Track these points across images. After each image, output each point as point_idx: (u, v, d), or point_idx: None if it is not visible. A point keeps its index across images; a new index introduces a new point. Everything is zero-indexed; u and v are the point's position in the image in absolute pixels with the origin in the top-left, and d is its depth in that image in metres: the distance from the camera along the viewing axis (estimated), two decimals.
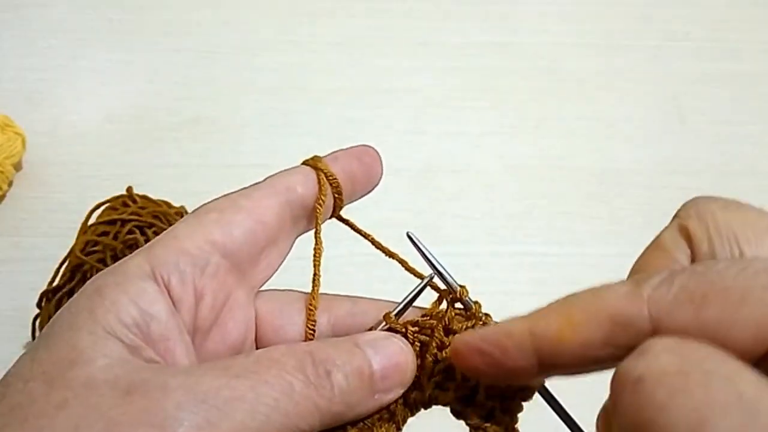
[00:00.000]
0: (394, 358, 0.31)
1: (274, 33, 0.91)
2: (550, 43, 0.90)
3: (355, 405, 0.30)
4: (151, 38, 0.90)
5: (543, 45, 0.90)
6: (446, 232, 0.74)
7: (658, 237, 0.29)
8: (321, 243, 0.35)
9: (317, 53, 0.89)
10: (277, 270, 0.35)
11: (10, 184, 0.76)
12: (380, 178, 0.37)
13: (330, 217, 0.37)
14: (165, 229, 0.62)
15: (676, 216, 0.29)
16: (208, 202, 0.33)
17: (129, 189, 0.68)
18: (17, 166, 0.77)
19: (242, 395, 0.27)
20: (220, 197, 0.34)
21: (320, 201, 0.34)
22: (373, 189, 0.37)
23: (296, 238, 0.36)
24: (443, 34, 0.91)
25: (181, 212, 0.68)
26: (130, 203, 0.67)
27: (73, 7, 0.92)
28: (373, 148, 0.37)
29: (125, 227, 0.63)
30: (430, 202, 0.76)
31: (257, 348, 0.35)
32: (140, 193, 0.68)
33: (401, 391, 0.32)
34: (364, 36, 0.91)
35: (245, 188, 0.34)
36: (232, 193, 0.34)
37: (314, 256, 0.35)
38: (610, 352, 0.25)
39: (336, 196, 0.35)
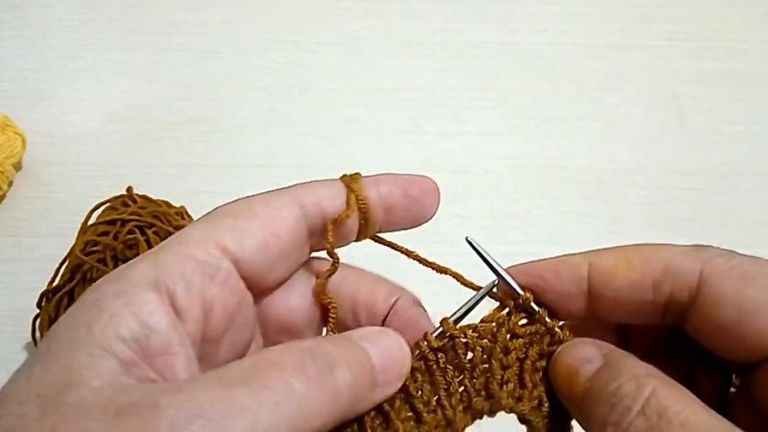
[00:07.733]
0: (390, 352, 0.31)
1: (274, 33, 0.91)
2: (550, 43, 0.90)
3: (359, 400, 0.29)
4: (151, 38, 0.90)
5: (543, 45, 0.90)
6: (446, 232, 0.74)
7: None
8: (337, 261, 0.34)
9: (317, 53, 0.89)
10: (288, 278, 0.34)
11: (10, 184, 0.76)
12: (431, 213, 0.35)
13: (357, 240, 0.35)
14: (165, 229, 0.63)
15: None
16: (224, 205, 0.32)
17: (129, 189, 0.68)
18: (17, 166, 0.77)
19: (241, 404, 0.25)
20: (237, 200, 0.32)
21: (335, 220, 0.33)
22: (420, 224, 0.35)
23: (312, 251, 0.35)
24: (443, 34, 0.91)
25: (181, 212, 0.68)
26: (130, 203, 0.66)
27: (73, 7, 0.92)
28: (427, 181, 0.36)
29: (125, 227, 0.63)
30: None
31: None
32: (140, 193, 0.68)
33: (399, 385, 0.31)
34: (364, 36, 0.90)
35: (267, 192, 0.33)
36: (252, 196, 0.32)
37: (326, 277, 0.34)
38: (652, 297, 0.31)
39: (361, 222, 0.34)
